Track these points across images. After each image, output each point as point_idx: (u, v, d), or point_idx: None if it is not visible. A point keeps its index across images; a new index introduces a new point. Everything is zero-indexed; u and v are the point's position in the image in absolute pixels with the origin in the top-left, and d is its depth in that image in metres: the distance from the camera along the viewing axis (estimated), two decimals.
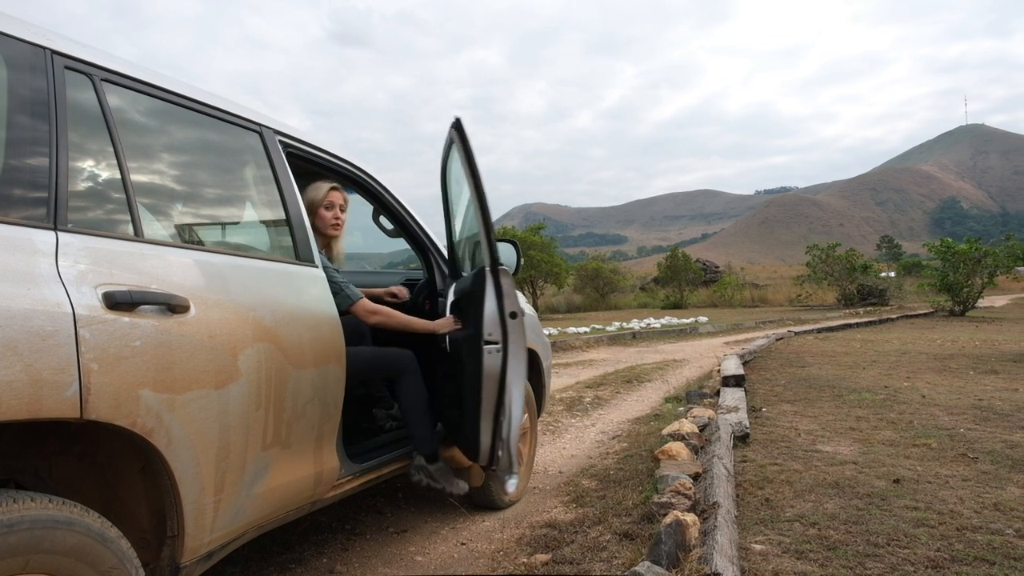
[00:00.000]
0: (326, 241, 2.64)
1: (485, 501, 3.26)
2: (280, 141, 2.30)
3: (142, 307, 1.49)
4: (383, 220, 2.97)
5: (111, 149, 1.65)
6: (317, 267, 2.21)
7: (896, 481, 3.35)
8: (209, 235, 2.11)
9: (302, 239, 2.20)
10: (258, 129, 2.20)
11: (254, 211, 2.26)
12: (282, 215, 2.19)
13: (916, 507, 2.97)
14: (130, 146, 1.73)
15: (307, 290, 2.11)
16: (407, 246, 2.98)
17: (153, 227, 1.83)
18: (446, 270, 2.99)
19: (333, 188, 2.65)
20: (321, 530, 3.05)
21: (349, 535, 3.02)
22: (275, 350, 1.87)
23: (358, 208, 2.93)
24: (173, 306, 1.56)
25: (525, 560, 2.57)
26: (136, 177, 1.74)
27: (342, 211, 2.66)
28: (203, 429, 1.61)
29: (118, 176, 1.65)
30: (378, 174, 2.82)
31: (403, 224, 2.96)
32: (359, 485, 2.40)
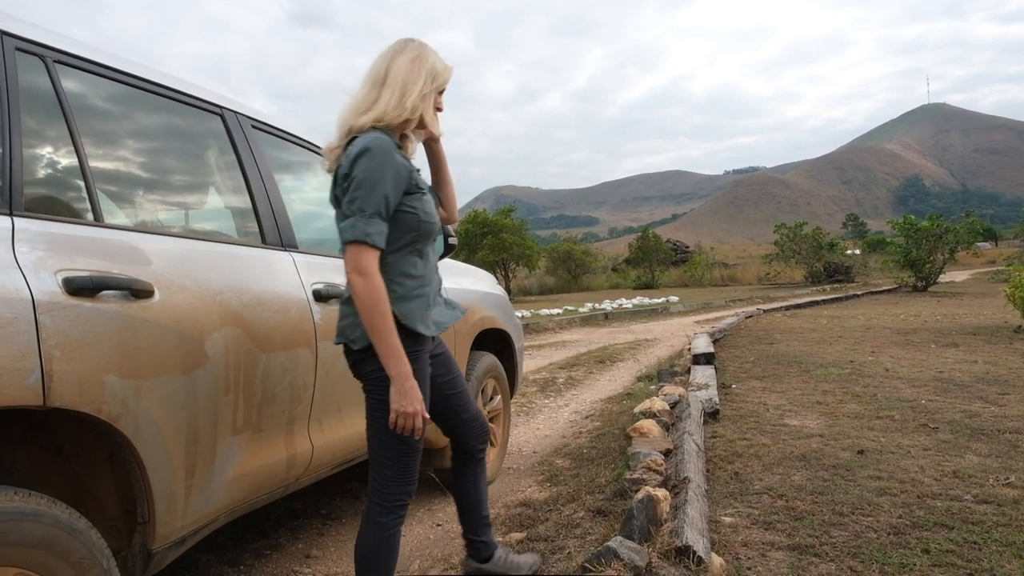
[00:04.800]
0: (406, 138, 1.87)
1: None
2: (247, 124, 2.26)
3: (104, 292, 1.46)
4: None
5: (67, 133, 1.62)
6: (284, 250, 2.18)
7: (860, 452, 3.44)
8: (172, 219, 2.08)
9: (268, 222, 2.17)
10: (219, 112, 2.16)
11: (218, 195, 2.23)
12: (247, 198, 2.16)
13: (879, 476, 3.06)
14: (87, 130, 1.69)
15: (274, 274, 2.09)
16: None
17: (114, 212, 1.79)
18: None
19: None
20: (296, 516, 3.04)
21: (325, 520, 3.02)
22: (243, 334, 1.85)
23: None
24: (136, 291, 1.54)
25: (500, 539, 2.59)
26: (95, 161, 1.70)
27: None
28: (171, 415, 1.59)
29: (75, 160, 1.62)
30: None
31: None
32: (333, 469, 2.40)
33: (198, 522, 1.74)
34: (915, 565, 2.19)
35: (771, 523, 2.60)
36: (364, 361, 1.73)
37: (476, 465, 2.14)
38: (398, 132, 1.80)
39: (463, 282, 3.34)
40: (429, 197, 1.82)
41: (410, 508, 3.10)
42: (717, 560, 2.13)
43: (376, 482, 1.79)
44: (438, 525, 2.90)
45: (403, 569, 2.49)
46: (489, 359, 3.49)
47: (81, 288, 1.42)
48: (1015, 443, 3.55)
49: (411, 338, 1.73)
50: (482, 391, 3.42)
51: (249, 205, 2.17)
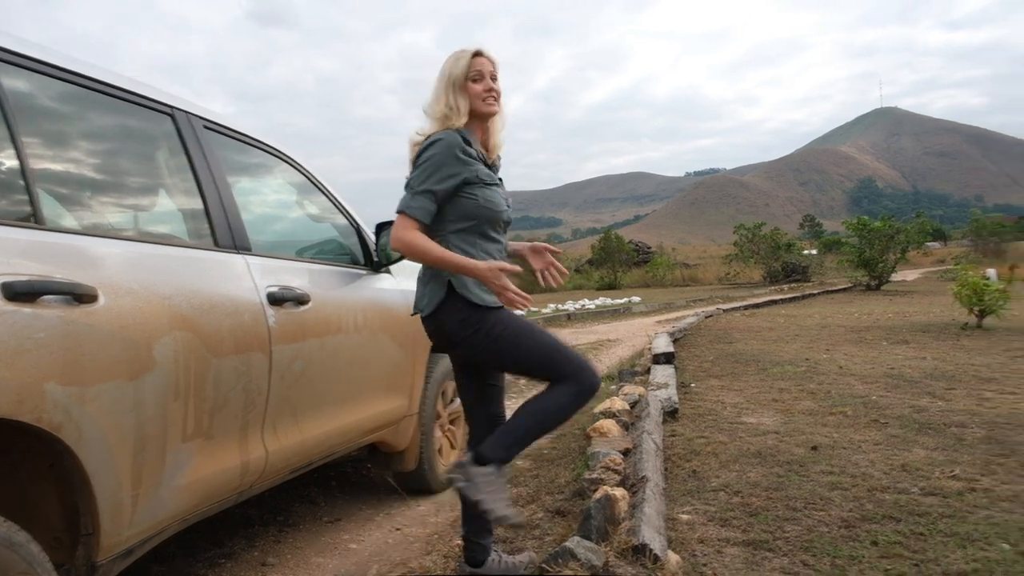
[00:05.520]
0: (482, 124, 2.06)
1: (420, 485, 3.26)
2: (199, 124, 2.22)
3: (44, 297, 1.42)
4: (308, 205, 2.90)
5: (7, 133, 1.56)
6: (237, 253, 2.15)
7: (814, 448, 3.52)
8: (121, 222, 2.02)
9: (221, 224, 2.13)
10: (169, 112, 2.11)
11: (169, 197, 2.18)
12: (199, 200, 2.11)
13: (831, 471, 3.13)
14: (29, 130, 1.64)
15: (227, 277, 2.05)
16: (331, 234, 2.91)
17: (58, 215, 1.74)
18: (376, 257, 2.95)
19: (476, 54, 2.01)
20: (252, 523, 2.99)
21: (282, 526, 2.98)
22: (193, 339, 1.81)
23: (281, 194, 2.86)
24: (79, 296, 1.50)
25: (459, 542, 2.58)
26: (37, 163, 1.65)
27: (494, 80, 2.03)
28: (117, 422, 1.55)
29: (16, 162, 1.57)
30: (304, 159, 2.76)
31: (330, 209, 2.91)
32: (289, 474, 2.37)
33: (146, 532, 1.70)
34: (864, 557, 2.25)
35: (727, 520, 2.64)
36: (441, 324, 1.96)
37: None
38: (474, 128, 2.04)
39: None
40: (496, 190, 2.01)
41: (368, 513, 3.10)
42: (674, 558, 2.16)
43: (561, 379, 1.91)
44: (397, 529, 2.88)
45: (361, 574, 2.47)
46: (448, 361, 3.47)
47: (20, 293, 1.37)
48: (960, 437, 3.67)
49: (472, 308, 1.91)
50: (442, 393, 3.41)
51: (201, 207, 2.13)
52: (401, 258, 2.92)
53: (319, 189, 2.86)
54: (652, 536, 2.13)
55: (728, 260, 28.84)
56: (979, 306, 8.88)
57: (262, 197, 2.71)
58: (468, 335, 1.93)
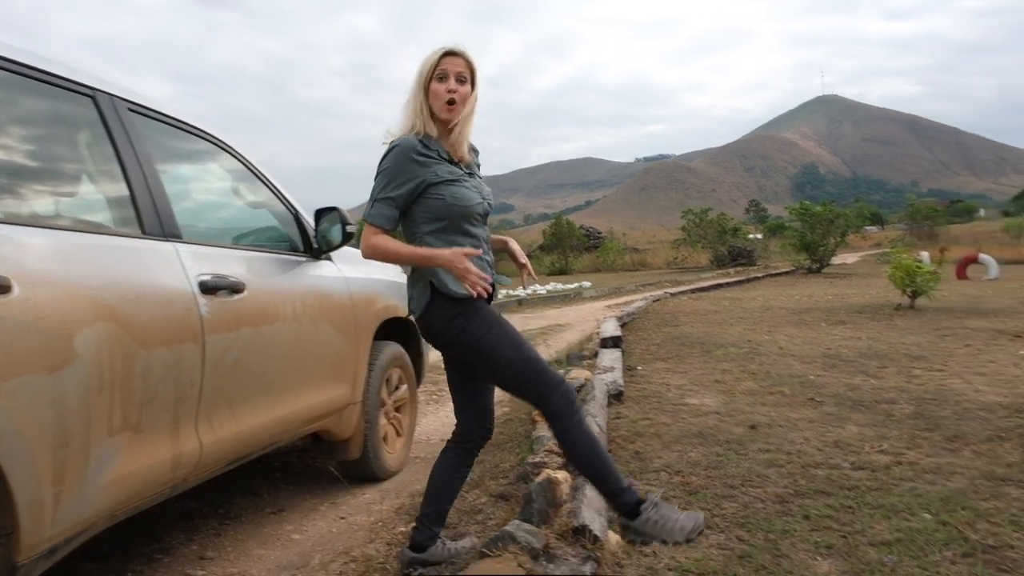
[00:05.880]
0: (444, 128, 2.03)
1: (365, 474, 3.24)
2: (123, 107, 2.13)
3: None
4: (244, 191, 2.83)
5: None
6: (166, 240, 2.08)
7: (752, 427, 3.62)
8: (36, 210, 1.94)
9: (148, 211, 2.06)
10: (91, 94, 2.02)
11: (91, 183, 2.09)
12: (123, 186, 2.03)
13: (768, 449, 3.22)
14: None
15: (155, 265, 1.99)
16: (269, 221, 2.85)
17: None
18: (315, 244, 2.90)
19: (447, 53, 1.97)
20: (192, 516, 2.92)
21: (223, 519, 2.92)
22: (118, 330, 1.75)
23: (216, 180, 2.77)
24: None
25: (403, 529, 2.59)
26: None
27: (460, 81, 1.97)
28: (35, 418, 1.49)
29: None
30: (240, 145, 2.69)
31: (267, 195, 2.84)
32: (226, 466, 2.32)
33: (71, 530, 1.64)
34: (796, 531, 2.32)
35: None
36: (429, 324, 2.00)
37: (468, 457, 2.23)
38: (439, 126, 2.02)
39: (366, 270, 3.29)
40: (463, 185, 2.00)
41: (312, 503, 3.07)
42: (614, 537, 2.19)
43: (536, 401, 2.01)
44: (341, 518, 2.86)
45: (303, 564, 2.44)
46: (394, 348, 3.45)
47: None
48: (890, 413, 3.82)
49: (452, 302, 1.95)
50: (387, 380, 3.39)
51: (126, 193, 2.05)
52: (342, 245, 2.88)
53: (256, 175, 2.79)
54: (592, 517, 2.16)
55: (676, 245, 29.36)
56: (911, 287, 9.24)
57: (194, 183, 2.63)
58: (454, 335, 1.97)
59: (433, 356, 7.38)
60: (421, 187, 1.95)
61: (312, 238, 2.88)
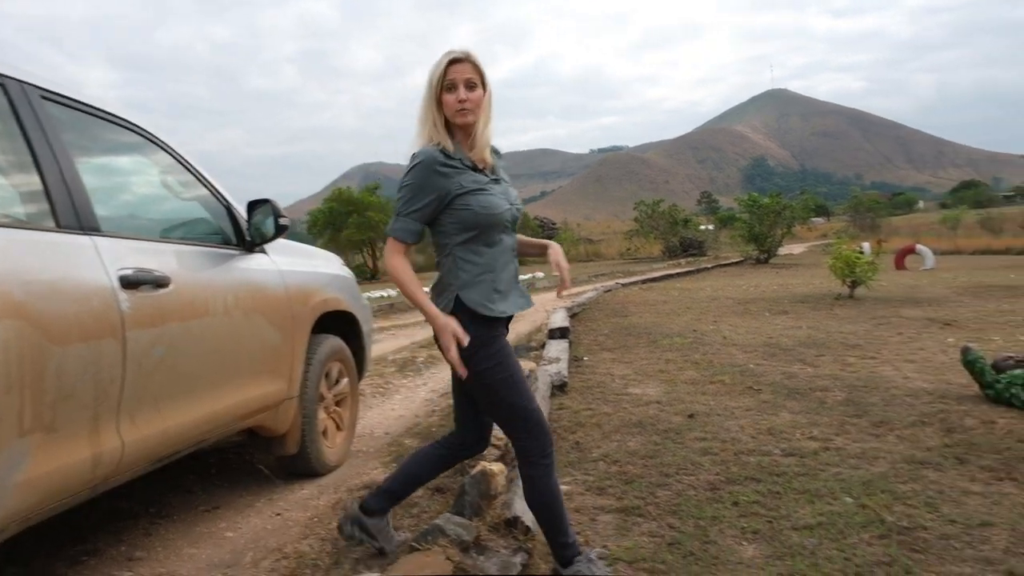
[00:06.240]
0: (464, 134, 2.00)
1: (304, 468, 3.20)
2: (35, 95, 2.04)
3: None
4: (172, 183, 2.74)
5: None
6: (84, 234, 2.01)
7: (691, 416, 3.70)
8: None
9: (63, 204, 1.98)
10: None
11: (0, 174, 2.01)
12: (36, 178, 1.95)
13: (704, 438, 3.29)
14: None
15: (70, 260, 1.91)
16: (199, 214, 2.77)
17: None
18: (248, 236, 2.84)
19: (452, 61, 1.94)
20: (121, 516, 2.85)
21: (154, 518, 2.85)
22: (28, 327, 1.69)
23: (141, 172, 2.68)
24: None
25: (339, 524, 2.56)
26: None
27: (469, 88, 1.95)
28: None
29: None
30: (166, 136, 2.60)
31: (197, 187, 2.77)
32: (152, 464, 2.26)
33: None
34: (725, 517, 2.39)
35: (604, 488, 2.74)
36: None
37: (451, 462, 2.21)
38: (458, 134, 1.98)
39: (303, 263, 3.24)
40: (490, 193, 1.95)
41: (248, 499, 3.02)
42: None
43: (513, 440, 1.97)
44: (277, 515, 2.82)
45: (235, 562, 2.40)
46: (334, 342, 3.41)
47: None
48: (823, 400, 3.94)
49: (479, 321, 1.91)
50: (326, 374, 3.35)
51: (39, 185, 1.97)
52: (275, 237, 2.82)
53: (185, 167, 2.71)
54: (524, 508, 2.17)
55: (629, 236, 29.67)
56: (851, 278, 9.53)
57: (116, 175, 2.54)
58: (463, 355, 1.90)
59: (379, 349, 7.30)
60: (447, 199, 1.92)
61: (245, 231, 2.82)
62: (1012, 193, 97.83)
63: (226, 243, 2.77)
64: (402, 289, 1.93)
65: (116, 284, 2.03)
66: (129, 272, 2.09)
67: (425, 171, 1.91)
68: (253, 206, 2.82)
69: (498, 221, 1.96)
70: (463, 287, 1.93)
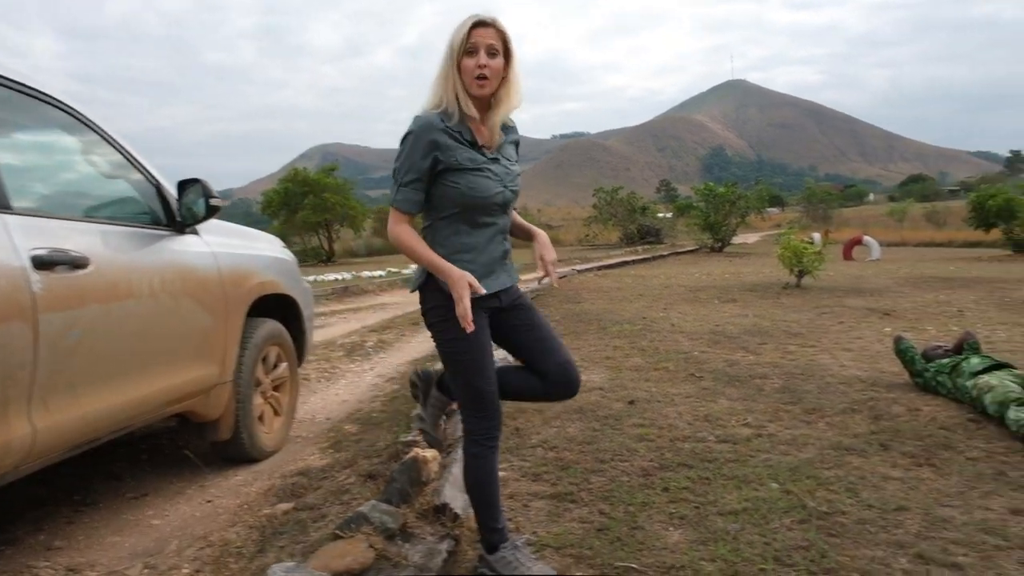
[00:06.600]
0: (482, 105, 1.89)
1: (238, 454, 3.14)
2: None
3: None
4: (97, 161, 2.64)
5: None
6: None
7: (631, 402, 3.73)
8: None
9: None
10: None
11: None
12: None
13: (642, 424, 3.33)
14: None
15: None
16: (127, 193, 2.67)
17: None
18: (179, 217, 2.75)
19: (476, 24, 1.83)
20: (42, 504, 2.76)
21: (78, 506, 2.77)
22: None
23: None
24: None
25: (268, 511, 2.53)
26: None
27: (491, 55, 1.83)
28: None
29: None
30: (88, 110, 2.50)
31: (124, 166, 2.67)
32: (68, 451, 2.19)
33: None
34: (655, 503, 2.42)
35: (539, 474, 2.75)
36: (421, 304, 1.93)
37: (539, 394, 2.08)
38: (476, 105, 1.87)
39: (239, 245, 3.17)
40: (483, 175, 1.87)
41: (179, 486, 2.95)
42: None
43: (462, 416, 1.96)
44: (208, 502, 2.77)
45: (158, 550, 2.35)
46: (271, 325, 3.35)
47: None
48: (760, 387, 4.02)
49: (441, 293, 1.84)
50: (264, 359, 3.29)
51: None
52: (207, 218, 2.75)
53: (111, 145, 2.61)
54: (455, 495, 2.17)
55: (588, 222, 29.81)
56: (798, 267, 9.74)
57: (31, 152, 2.42)
58: (431, 323, 1.92)
59: (328, 333, 7.20)
60: (439, 166, 1.84)
61: (175, 210, 2.74)
62: (957, 188, 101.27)
63: (155, 224, 2.69)
64: (410, 254, 1.86)
65: (28, 264, 1.95)
66: (43, 252, 2.01)
67: (420, 138, 1.83)
68: (184, 186, 2.74)
69: (484, 204, 1.89)
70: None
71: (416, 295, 1.96)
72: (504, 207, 1.95)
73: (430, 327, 1.95)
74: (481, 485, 1.94)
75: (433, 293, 1.89)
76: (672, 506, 2.39)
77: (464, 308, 1.77)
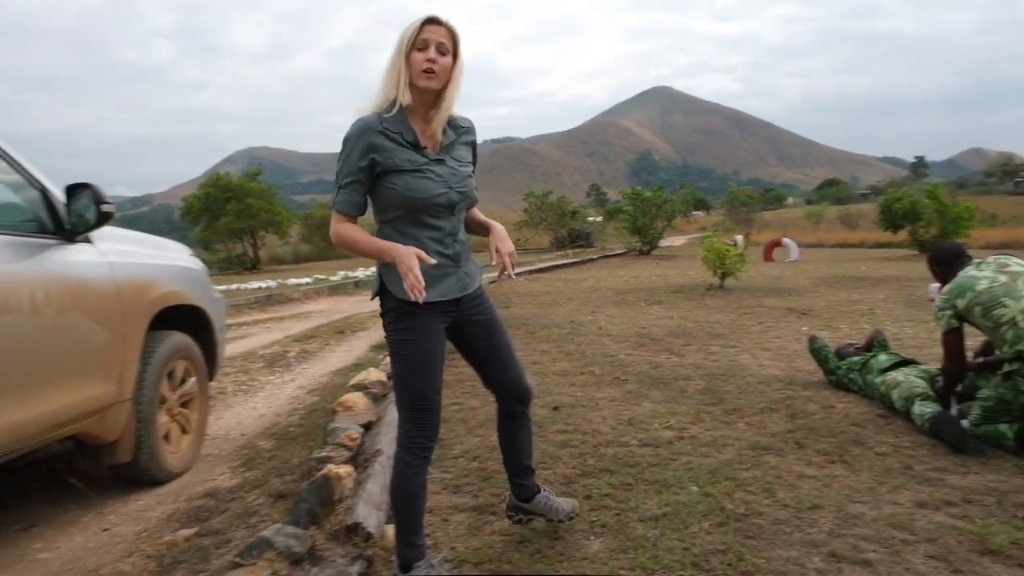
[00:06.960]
0: (424, 99, 1.87)
1: (140, 477, 2.94)
2: None
3: None
4: None
5: None
6: None
7: (556, 408, 3.71)
8: None
9: None
10: None
11: None
12: None
13: (567, 430, 3.31)
14: None
15: None
16: (5, 199, 2.47)
17: None
18: (68, 225, 2.56)
19: (428, 20, 1.84)
20: None
21: None
22: None
23: None
24: None
25: (169, 538, 2.36)
26: None
27: (442, 52, 1.84)
28: None
29: None
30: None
31: (3, 169, 2.46)
32: None
33: None
34: (577, 512, 2.38)
35: (460, 486, 2.68)
36: (380, 306, 1.94)
37: (515, 422, 2.21)
38: (417, 105, 1.87)
39: (140, 254, 2.98)
40: (424, 175, 1.85)
41: (74, 514, 2.75)
42: (392, 532, 2.12)
43: (399, 423, 1.95)
44: (104, 530, 2.57)
45: None
46: (178, 338, 3.16)
47: None
48: (684, 389, 4.07)
49: (393, 298, 1.87)
50: (169, 374, 3.10)
51: None
52: (97, 226, 2.57)
53: None
54: (368, 513, 2.08)
55: (519, 227, 29.94)
56: (721, 269, 10.00)
57: None
58: (388, 323, 1.94)
59: (249, 344, 6.93)
60: (377, 168, 1.84)
61: (63, 218, 2.54)
62: (867, 191, 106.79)
63: (41, 232, 2.49)
64: (354, 247, 1.87)
65: None
66: None
67: (358, 139, 1.83)
68: (73, 191, 2.55)
69: (426, 205, 1.86)
70: (385, 266, 1.88)
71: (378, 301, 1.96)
72: (450, 208, 1.92)
73: (385, 329, 1.96)
74: (408, 497, 1.93)
75: (386, 297, 1.91)
76: (594, 514, 2.36)
77: (414, 277, 1.75)
